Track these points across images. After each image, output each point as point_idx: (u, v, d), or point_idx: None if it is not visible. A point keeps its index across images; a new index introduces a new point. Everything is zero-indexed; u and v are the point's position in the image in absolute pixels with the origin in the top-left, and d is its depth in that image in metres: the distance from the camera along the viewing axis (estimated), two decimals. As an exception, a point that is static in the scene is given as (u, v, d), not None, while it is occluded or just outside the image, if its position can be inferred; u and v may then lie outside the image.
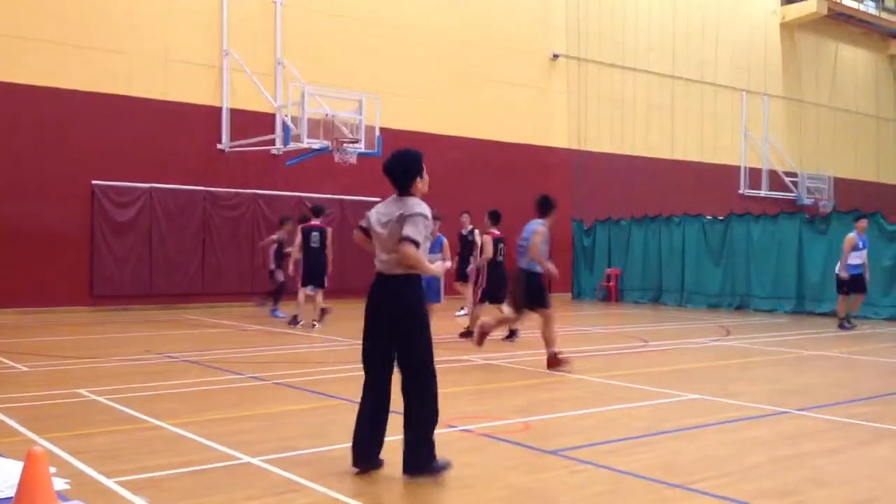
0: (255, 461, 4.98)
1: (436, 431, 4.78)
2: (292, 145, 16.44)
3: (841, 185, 29.26)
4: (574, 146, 23.33)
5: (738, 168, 27.48)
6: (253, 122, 17.66)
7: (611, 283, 21.03)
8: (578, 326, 14.58)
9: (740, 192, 27.21)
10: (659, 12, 25.41)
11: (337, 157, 16.26)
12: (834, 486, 4.65)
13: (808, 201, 27.84)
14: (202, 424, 5.98)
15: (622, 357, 10.44)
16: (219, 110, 17.61)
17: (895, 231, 16.07)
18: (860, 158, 31.41)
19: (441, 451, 4.89)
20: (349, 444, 4.80)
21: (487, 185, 21.18)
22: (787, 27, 28.97)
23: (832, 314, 16.46)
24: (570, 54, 23.28)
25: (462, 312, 15.00)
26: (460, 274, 14.91)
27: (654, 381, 8.19)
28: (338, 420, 6.12)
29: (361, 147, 16.46)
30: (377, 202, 5.17)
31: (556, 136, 23.10)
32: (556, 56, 23.01)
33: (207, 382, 7.95)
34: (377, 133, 16.79)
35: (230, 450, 5.22)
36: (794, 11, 28.66)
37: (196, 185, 17.23)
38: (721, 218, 19.25)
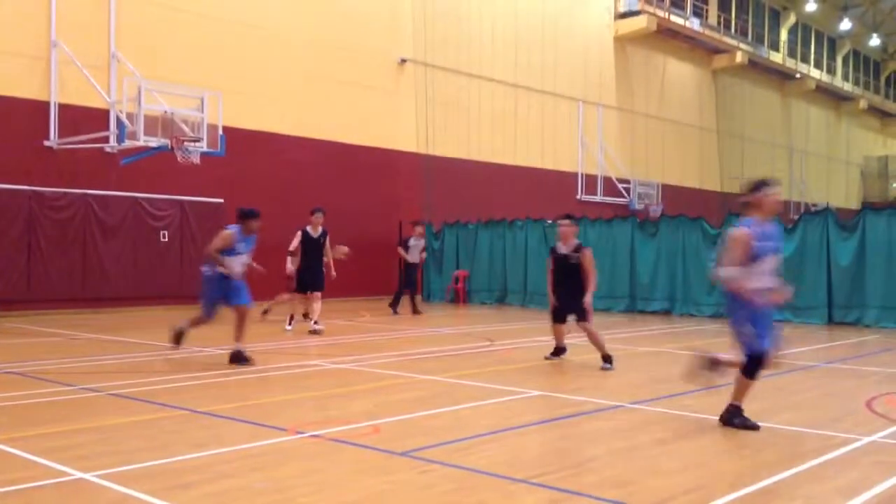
0: (89, 477, 4.69)
1: (284, 438, 4.68)
2: (128, 143, 15.59)
3: (669, 191, 31.24)
4: (422, 150, 23.60)
5: (575, 174, 28.73)
6: (85, 118, 16.62)
7: (459, 285, 21.42)
8: (428, 328, 14.75)
9: (578, 197, 28.46)
10: (502, 22, 26.16)
11: (179, 157, 15.60)
12: (666, 475, 4.94)
13: (639, 206, 29.53)
14: (29, 440, 5.57)
15: (470, 357, 10.65)
16: (46, 105, 16.46)
17: (717, 235, 17.31)
18: (686, 167, 33.65)
19: (289, 458, 4.80)
20: (191, 455, 4.61)
21: (335, 186, 21.04)
22: (620, 41, 30.59)
23: (662, 312, 17.56)
24: (418, 59, 23.53)
25: (289, 328, 13.64)
26: (310, 281, 13.18)
27: (501, 380, 8.41)
28: (176, 431, 5.87)
29: (203, 146, 15.89)
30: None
31: (405, 139, 23.28)
32: (403, 61, 23.19)
33: (35, 395, 7.41)
34: (220, 132, 16.26)
35: (61, 465, 4.89)
36: (626, 26, 30.31)
37: (20, 184, 16.02)
38: (561, 222, 20.05)
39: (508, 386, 8.02)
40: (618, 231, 18.79)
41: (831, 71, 42.17)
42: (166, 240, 18.01)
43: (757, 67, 36.62)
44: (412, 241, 17.36)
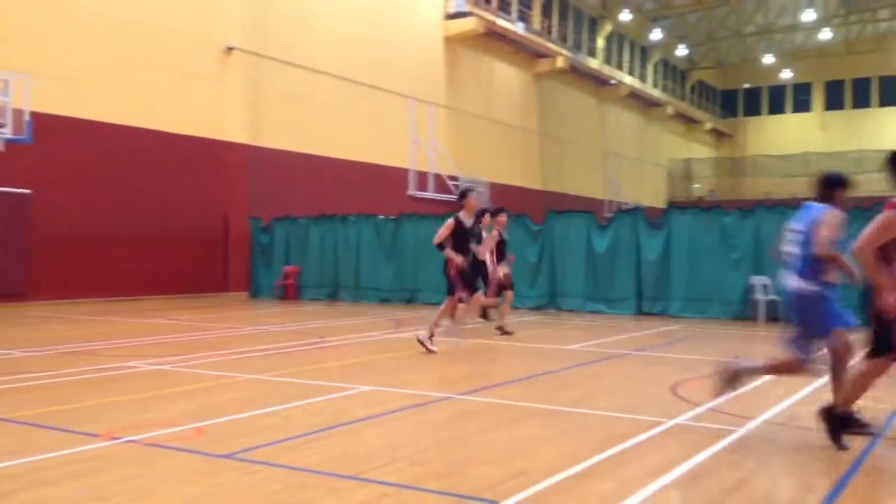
0: None
1: (103, 444, 4.43)
2: (-83, 127, 14.15)
3: (496, 189, 32.25)
4: (251, 142, 22.98)
5: (407, 171, 29.02)
6: None
7: (289, 281, 21.05)
8: (255, 325, 14.40)
9: (409, 193, 28.78)
10: (337, 16, 25.95)
11: (-21, 144, 14.34)
12: (491, 463, 5.11)
13: (468, 203, 30.25)
14: None
15: (299, 354, 10.51)
16: None
17: (539, 231, 18.07)
18: (511, 166, 34.87)
19: (109, 465, 4.54)
20: (6, 464, 4.26)
21: (157, 177, 20.07)
22: (450, 41, 31.21)
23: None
24: (246, 49, 22.88)
25: None
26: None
27: (331, 376, 8.37)
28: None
29: (8, 133, 14.68)
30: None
31: (232, 130, 22.58)
32: (230, 49, 22.47)
33: None
34: (27, 118, 15.09)
35: None
36: (456, 27, 30.96)
37: None
38: (392, 217, 20.23)
39: (337, 382, 7.99)
40: (447, 227, 19.17)
41: (643, 78, 45.08)
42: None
43: (576, 73, 38.49)
44: (486, 233, 14.95)
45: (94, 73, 18.87)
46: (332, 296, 20.52)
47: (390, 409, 6.71)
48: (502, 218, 13.20)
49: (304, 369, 8.99)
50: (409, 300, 19.32)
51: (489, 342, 11.88)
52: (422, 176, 29.62)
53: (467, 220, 10.82)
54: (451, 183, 30.42)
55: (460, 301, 10.70)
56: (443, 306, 10.85)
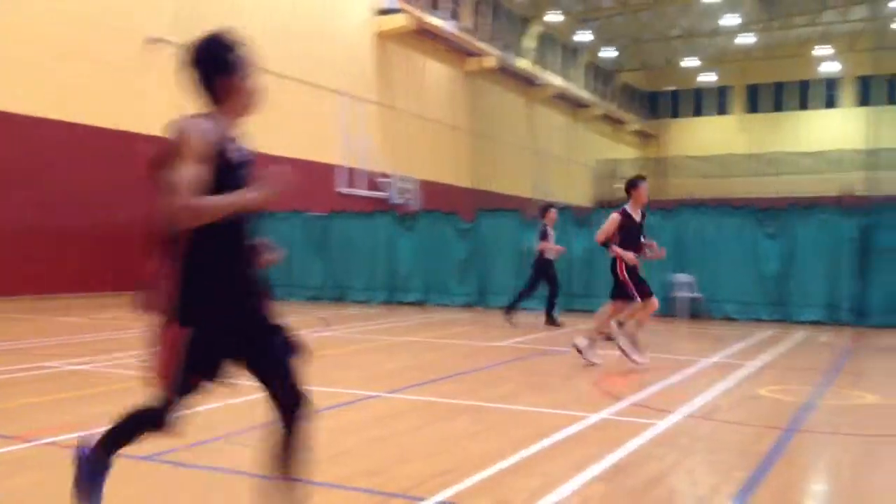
0: None
1: (17, 446, 4.25)
2: None
3: (426, 186, 32.28)
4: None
5: (338, 167, 28.79)
6: None
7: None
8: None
9: (339, 190, 28.55)
10: (268, 10, 25.53)
11: None
12: (417, 461, 5.11)
13: (398, 200, 30.23)
14: None
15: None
16: None
17: (468, 229, 18.17)
18: (442, 164, 34.95)
19: (22, 468, 4.36)
20: None
21: (78, 172, 19.41)
22: (382, 38, 31.07)
23: (418, 304, 18.13)
24: (172, 40, 22.31)
25: None
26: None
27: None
28: None
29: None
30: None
31: (154, 123, 21.92)
32: (154, 40, 21.88)
33: None
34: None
35: None
36: (387, 23, 30.81)
37: None
38: (323, 214, 20.05)
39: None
40: (379, 224, 19.12)
41: (571, 79, 45.74)
42: None
43: (506, 72, 38.80)
44: (550, 230, 13.87)
45: (13, 63, 18.12)
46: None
47: (318, 408, 6.64)
48: (552, 214, 13.95)
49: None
50: (339, 298, 19.18)
51: (416, 339, 11.88)
52: (353, 173, 29.42)
53: (635, 213, 9.27)
54: (381, 180, 30.30)
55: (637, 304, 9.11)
56: (608, 311, 9.29)
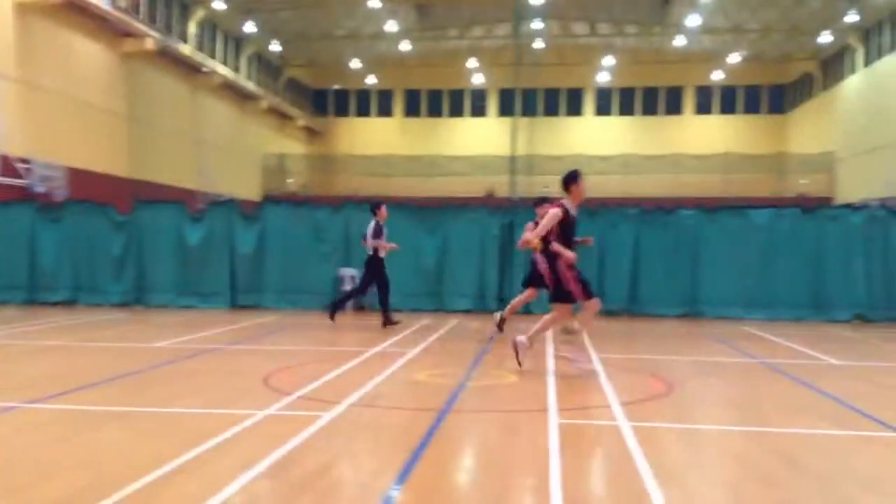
0: None
1: None
2: None
3: (77, 174, 29.45)
4: None
5: (-36, 149, 25.12)
6: None
7: None
8: None
9: (-33, 176, 24.93)
10: None
11: None
12: (61, 476, 4.60)
13: (41, 189, 27.18)
14: None
15: None
16: None
17: (125, 221, 16.91)
18: (94, 150, 32.14)
19: None
20: None
21: None
22: (23, 9, 27.70)
23: (66, 303, 16.45)
24: None
25: None
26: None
27: None
28: None
29: None
30: None
31: None
32: None
33: None
34: None
35: None
36: (30, -8, 27.57)
37: None
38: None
39: None
40: (16, 215, 17.07)
41: (237, 70, 44.74)
42: None
43: (167, 57, 36.79)
44: (384, 228, 13.18)
45: None
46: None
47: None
48: (383, 210, 13.07)
49: None
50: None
51: (62, 343, 10.76)
52: (-16, 157, 25.85)
53: (573, 209, 8.59)
54: (21, 166, 27.03)
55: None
56: (554, 317, 8.72)
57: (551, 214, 8.31)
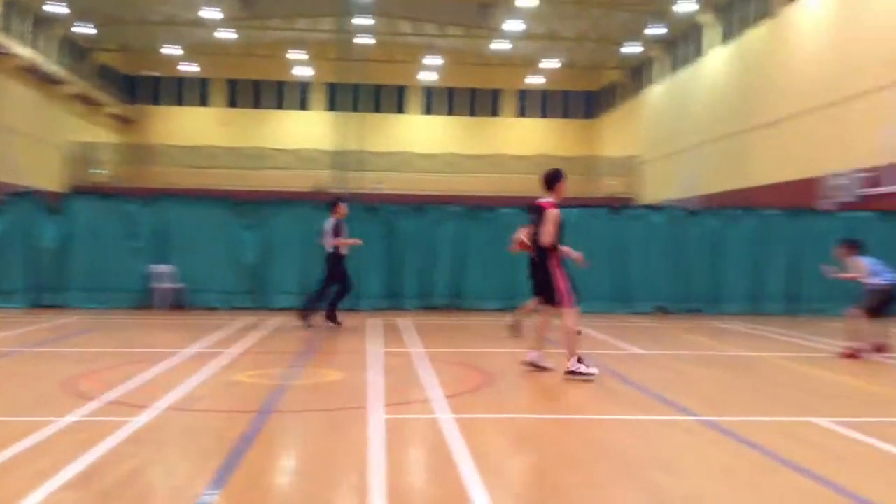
0: None
1: None
2: None
3: None
4: None
5: None
6: None
7: None
8: None
9: None
10: None
11: None
12: None
13: None
14: None
15: None
16: None
17: None
18: None
19: None
20: None
21: None
22: None
23: None
24: None
25: None
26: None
27: None
28: None
29: None
30: None
31: None
32: None
33: None
34: None
35: None
36: None
37: None
38: None
39: None
40: None
41: (41, 52, 41.46)
42: None
43: (-42, 33, 33.51)
44: (344, 225, 12.76)
45: None
46: None
47: None
48: (342, 208, 12.73)
49: None
50: None
51: None
52: None
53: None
54: None
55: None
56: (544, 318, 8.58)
57: (555, 215, 8.19)
